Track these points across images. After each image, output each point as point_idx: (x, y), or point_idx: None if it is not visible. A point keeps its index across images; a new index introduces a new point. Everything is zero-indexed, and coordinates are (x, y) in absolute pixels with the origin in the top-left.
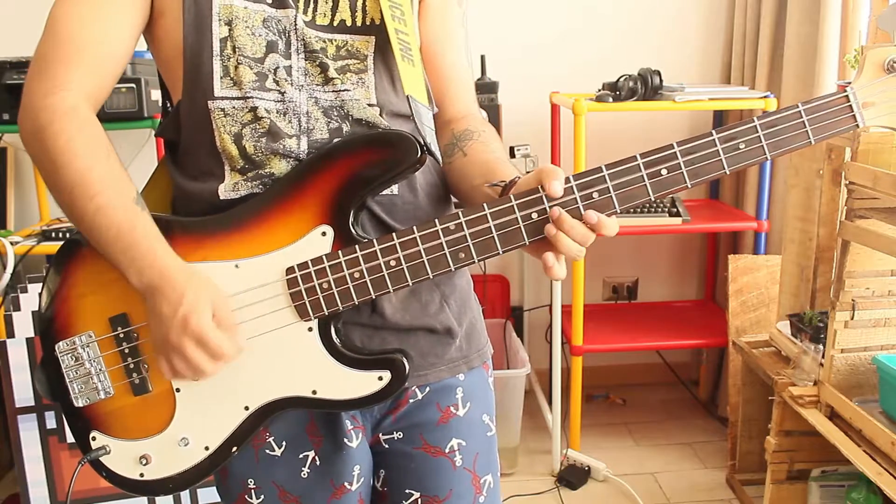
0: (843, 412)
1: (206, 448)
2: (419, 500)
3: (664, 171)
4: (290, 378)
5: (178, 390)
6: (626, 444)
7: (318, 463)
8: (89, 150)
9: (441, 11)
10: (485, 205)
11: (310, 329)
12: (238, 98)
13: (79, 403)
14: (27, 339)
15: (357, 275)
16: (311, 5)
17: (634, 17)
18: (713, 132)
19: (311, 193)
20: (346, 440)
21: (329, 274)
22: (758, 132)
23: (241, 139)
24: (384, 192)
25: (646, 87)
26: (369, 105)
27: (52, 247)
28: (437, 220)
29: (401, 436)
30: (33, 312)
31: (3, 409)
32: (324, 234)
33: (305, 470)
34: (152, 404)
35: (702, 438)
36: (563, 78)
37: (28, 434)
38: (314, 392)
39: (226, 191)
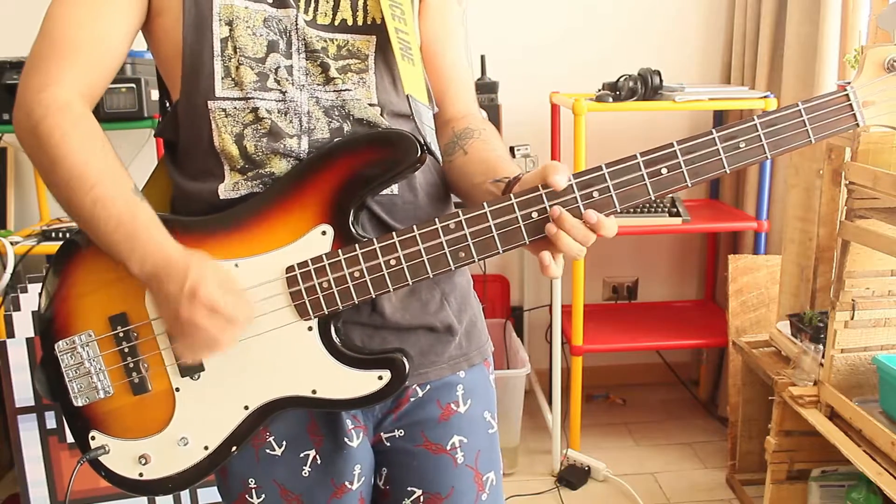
0: (843, 412)
1: (206, 448)
2: (421, 498)
3: (664, 171)
4: (290, 377)
5: (177, 390)
6: (626, 444)
7: (318, 462)
8: (85, 144)
9: (441, 10)
10: (485, 204)
11: (309, 328)
12: (239, 98)
13: (78, 403)
14: (27, 339)
15: (357, 274)
16: (312, 5)
17: (634, 16)
18: (713, 131)
19: (311, 193)
20: (346, 439)
21: (329, 273)
22: (758, 131)
23: (243, 139)
24: (384, 192)
25: (646, 87)
26: (370, 105)
27: (52, 247)
28: (437, 220)
29: (402, 434)
30: (33, 312)
31: (3, 409)
32: (324, 233)
33: (306, 469)
34: (151, 404)
35: (702, 438)
36: (563, 78)
37: (28, 434)
38: (314, 391)
39: (226, 190)
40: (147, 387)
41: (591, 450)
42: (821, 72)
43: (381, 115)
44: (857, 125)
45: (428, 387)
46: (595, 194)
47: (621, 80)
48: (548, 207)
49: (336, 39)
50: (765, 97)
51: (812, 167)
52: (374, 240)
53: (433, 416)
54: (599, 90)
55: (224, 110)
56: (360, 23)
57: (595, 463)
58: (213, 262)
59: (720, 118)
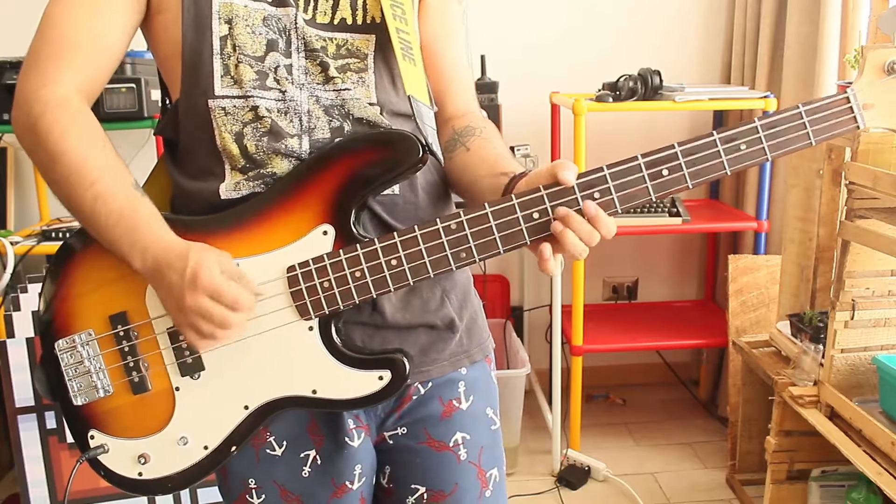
0: (843, 412)
1: (206, 447)
2: (425, 495)
3: (665, 172)
4: (290, 377)
5: (177, 389)
6: (626, 444)
7: (318, 462)
8: (84, 140)
9: (441, 10)
10: (486, 204)
11: (310, 328)
12: (239, 97)
13: (78, 402)
14: (27, 339)
15: (358, 274)
16: (312, 3)
17: (634, 16)
18: (714, 133)
19: (313, 193)
20: (347, 439)
21: (330, 273)
22: (759, 133)
23: (243, 138)
24: (385, 192)
25: (646, 87)
26: (370, 104)
27: (52, 247)
28: (438, 220)
29: (405, 431)
30: (33, 312)
31: (3, 409)
32: (325, 233)
33: (306, 469)
34: (151, 403)
35: (702, 438)
36: (563, 78)
37: (28, 434)
38: (314, 391)
39: (227, 190)
40: (147, 386)
41: (591, 450)
42: (821, 72)
43: (381, 114)
44: (858, 128)
45: (430, 384)
46: (596, 195)
47: (621, 80)
48: (549, 208)
49: (335, 38)
50: (765, 97)
51: (812, 167)
52: (376, 240)
53: (435, 413)
54: (599, 90)
55: (224, 109)
56: (359, 22)
57: (595, 463)
58: (213, 249)
59: (720, 118)
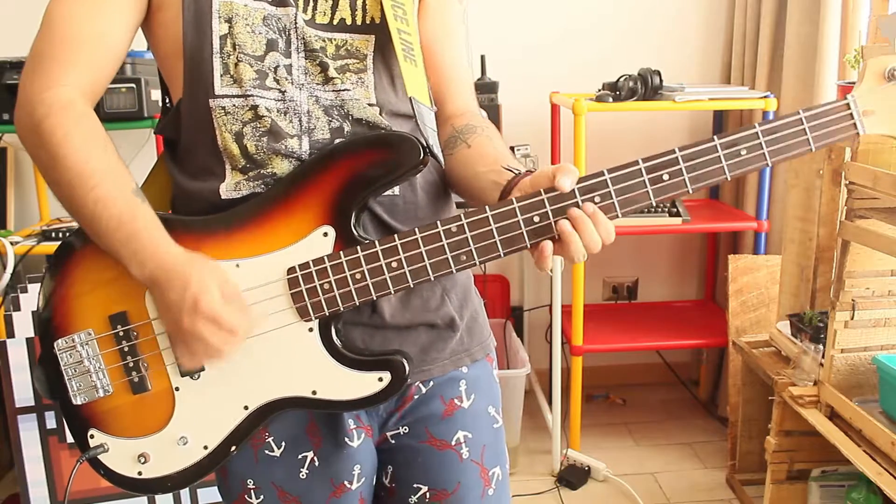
0: (843, 412)
1: (205, 447)
2: (427, 495)
3: (666, 177)
4: (290, 378)
5: (177, 389)
6: (626, 444)
7: (316, 464)
8: (87, 143)
9: (441, 9)
10: (487, 207)
11: (310, 329)
12: (238, 96)
13: (77, 401)
14: (27, 339)
15: (358, 276)
16: (311, 3)
17: (634, 17)
18: (715, 138)
19: (313, 194)
20: (346, 440)
21: (330, 274)
22: (759, 139)
23: (242, 138)
24: (385, 193)
25: (646, 87)
26: (369, 105)
27: (52, 247)
28: (438, 222)
29: (406, 430)
30: (33, 312)
31: (3, 409)
32: (325, 234)
33: (304, 471)
34: (151, 403)
35: (702, 438)
36: (563, 78)
37: (28, 434)
38: (314, 392)
39: (227, 190)
40: (147, 386)
41: (591, 450)
42: (821, 72)
43: (380, 114)
44: (858, 134)
45: (431, 383)
46: (597, 199)
47: (621, 80)
48: (549, 212)
49: (335, 39)
50: (765, 97)
51: (812, 167)
52: (376, 242)
53: (437, 412)
54: (599, 90)
55: (224, 108)
56: (358, 22)
57: (595, 463)
58: (214, 268)
59: (720, 118)
